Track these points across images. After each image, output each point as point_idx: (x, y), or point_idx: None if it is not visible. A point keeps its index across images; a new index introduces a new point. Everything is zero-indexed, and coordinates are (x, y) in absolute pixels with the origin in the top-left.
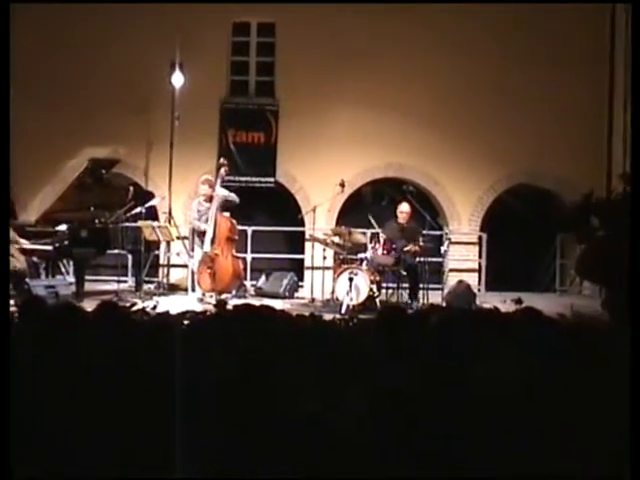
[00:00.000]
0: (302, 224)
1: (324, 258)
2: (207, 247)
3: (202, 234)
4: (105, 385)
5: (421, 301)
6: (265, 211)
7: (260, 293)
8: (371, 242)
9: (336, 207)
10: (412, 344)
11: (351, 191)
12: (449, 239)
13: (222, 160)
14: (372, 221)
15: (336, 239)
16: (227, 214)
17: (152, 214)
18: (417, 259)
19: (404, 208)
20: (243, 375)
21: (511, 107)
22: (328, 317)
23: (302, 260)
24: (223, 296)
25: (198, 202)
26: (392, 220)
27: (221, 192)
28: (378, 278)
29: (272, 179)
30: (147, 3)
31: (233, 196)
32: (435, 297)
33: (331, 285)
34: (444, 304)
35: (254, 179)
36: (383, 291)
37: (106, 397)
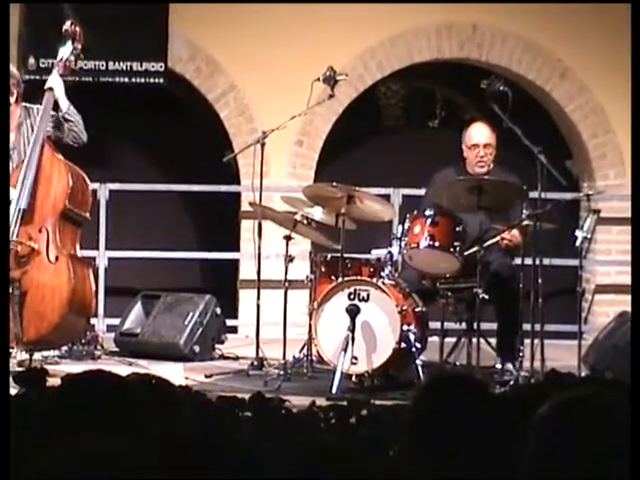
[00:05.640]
0: (234, 178)
1: (289, 260)
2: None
3: None
4: None
5: (526, 363)
6: (143, 146)
7: (131, 347)
8: (404, 221)
9: (318, 135)
10: (500, 468)
11: (355, 94)
12: (597, 213)
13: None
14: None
15: (317, 212)
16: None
17: None
18: (515, 259)
19: (484, 136)
20: None
21: None
22: (299, 402)
23: (234, 264)
24: (38, 356)
25: None
26: (454, 166)
27: (56, 102)
28: (420, 308)
29: (160, 67)
30: None
31: (70, 111)
32: (563, 354)
33: (306, 325)
34: (582, 372)
35: (116, 67)
36: (433, 340)
37: None
